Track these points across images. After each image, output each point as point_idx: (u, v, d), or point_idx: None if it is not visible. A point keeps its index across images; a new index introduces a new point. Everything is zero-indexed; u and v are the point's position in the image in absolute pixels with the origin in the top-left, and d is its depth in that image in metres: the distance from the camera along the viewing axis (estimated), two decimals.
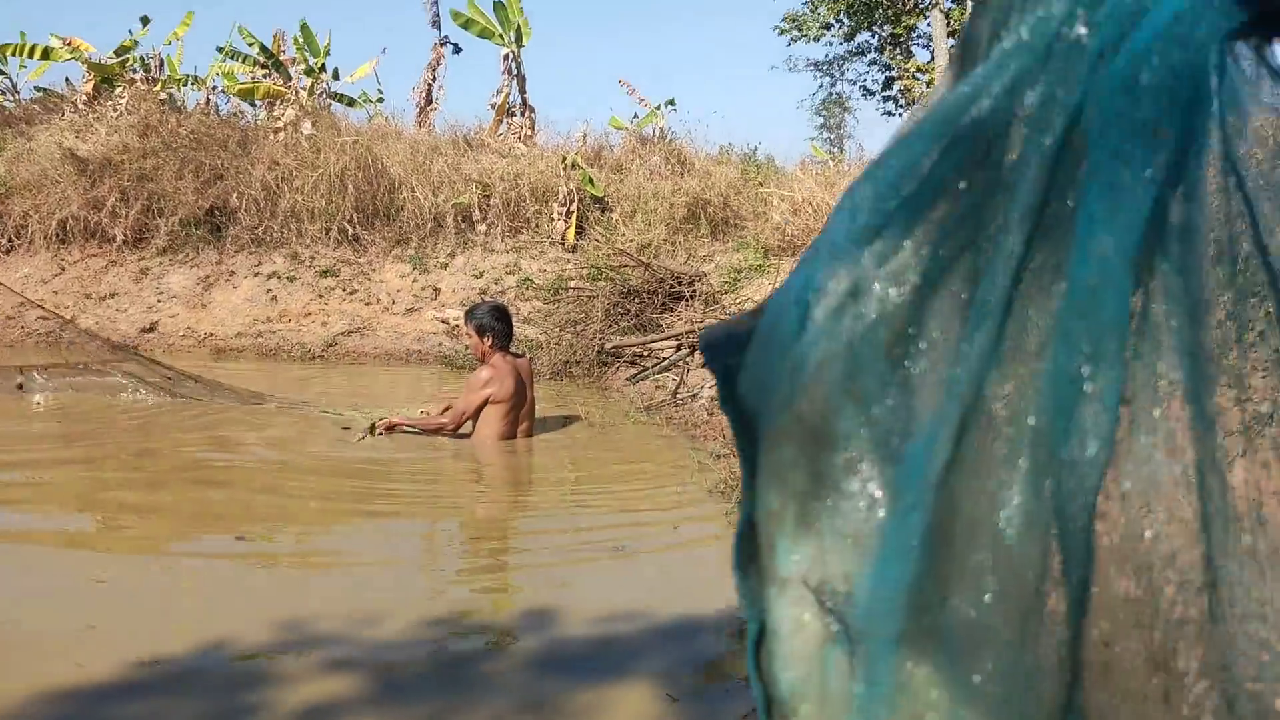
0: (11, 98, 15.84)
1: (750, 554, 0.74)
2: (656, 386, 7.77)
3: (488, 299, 6.42)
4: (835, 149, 26.40)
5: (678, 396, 7.09)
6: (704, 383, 7.34)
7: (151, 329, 10.47)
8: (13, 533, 4.28)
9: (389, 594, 3.59)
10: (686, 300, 9.34)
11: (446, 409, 6.16)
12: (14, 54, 15.16)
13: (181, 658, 2.95)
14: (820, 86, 30.35)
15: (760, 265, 10.15)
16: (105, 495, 4.82)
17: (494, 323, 5.94)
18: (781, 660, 0.70)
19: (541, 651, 3.00)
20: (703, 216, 11.41)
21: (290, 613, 3.30)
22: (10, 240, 11.51)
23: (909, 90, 23.73)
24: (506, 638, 3.15)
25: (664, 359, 8.40)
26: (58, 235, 11.51)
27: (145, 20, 14.04)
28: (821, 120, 37.08)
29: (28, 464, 5.45)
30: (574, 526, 4.50)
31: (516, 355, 6.12)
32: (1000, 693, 0.62)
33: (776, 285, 8.42)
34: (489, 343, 5.93)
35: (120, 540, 4.19)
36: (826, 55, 27.86)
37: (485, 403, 5.86)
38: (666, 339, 8.60)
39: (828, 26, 24.28)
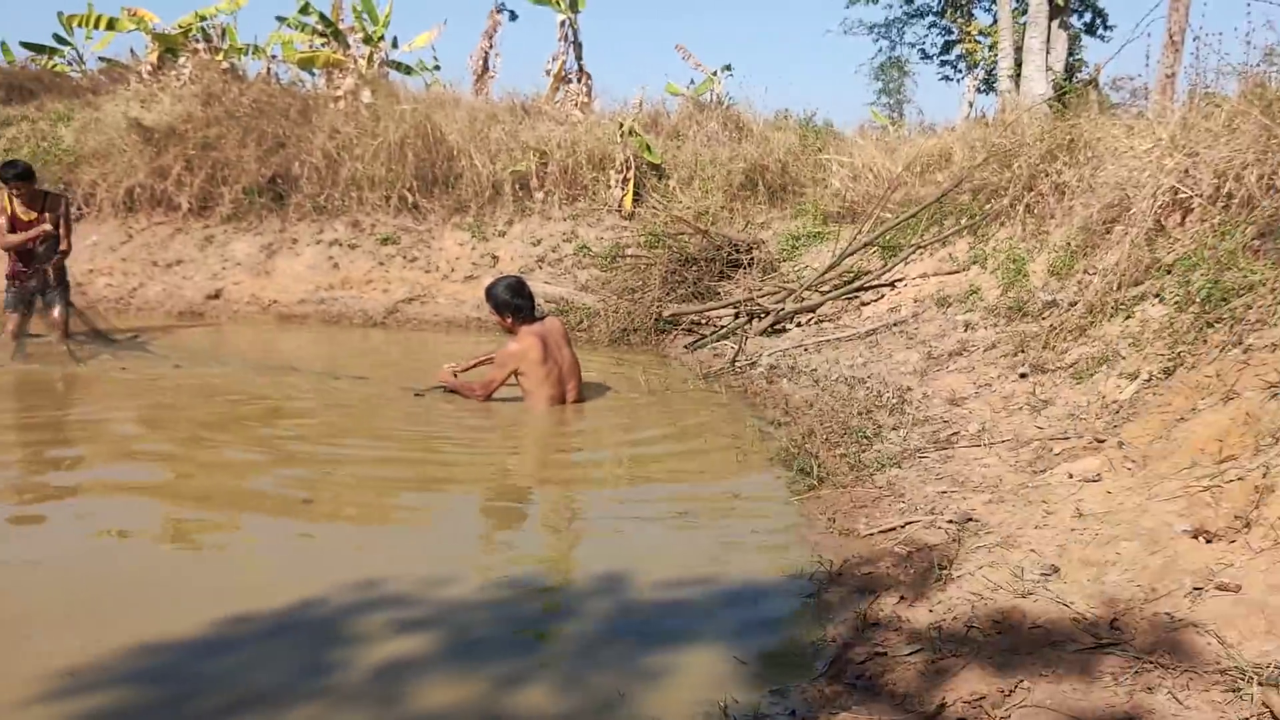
0: (78, 68, 16.13)
1: None
2: (714, 354, 7.79)
3: (504, 275, 6.47)
4: (895, 114, 26.06)
5: (736, 364, 7.10)
6: (762, 350, 7.34)
7: (217, 295, 10.67)
8: (96, 491, 4.42)
9: (456, 558, 3.67)
10: (744, 268, 9.32)
11: (478, 363, 6.44)
12: (80, 25, 15.43)
13: (264, 615, 3.06)
14: (879, 50, 29.88)
15: (819, 232, 10.09)
16: (177, 462, 4.95)
17: (512, 299, 6.04)
18: None
19: (610, 615, 3.06)
20: (761, 183, 11.35)
21: (363, 575, 3.39)
22: (80, 208, 11.74)
23: (970, 54, 23.33)
24: (575, 601, 3.21)
25: (722, 326, 8.41)
26: (125, 203, 11.73)
27: None
28: (880, 85, 36.60)
29: (106, 432, 5.61)
30: (634, 493, 4.55)
31: (540, 318, 6.18)
32: None
33: (837, 252, 8.38)
34: (509, 318, 6.04)
35: (195, 505, 4.32)
36: (885, 18, 27.43)
37: (515, 373, 6.00)
38: (724, 306, 8.60)
39: None
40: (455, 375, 6.32)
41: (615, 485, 4.72)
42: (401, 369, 7.69)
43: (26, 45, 16.27)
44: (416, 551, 3.76)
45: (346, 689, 2.61)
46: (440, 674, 2.69)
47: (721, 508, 4.23)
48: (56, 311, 8.10)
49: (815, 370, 6.51)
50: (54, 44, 16.23)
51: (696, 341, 8.28)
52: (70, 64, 16.20)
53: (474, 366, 6.48)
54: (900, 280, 7.97)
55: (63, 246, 8.04)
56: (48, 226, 7.86)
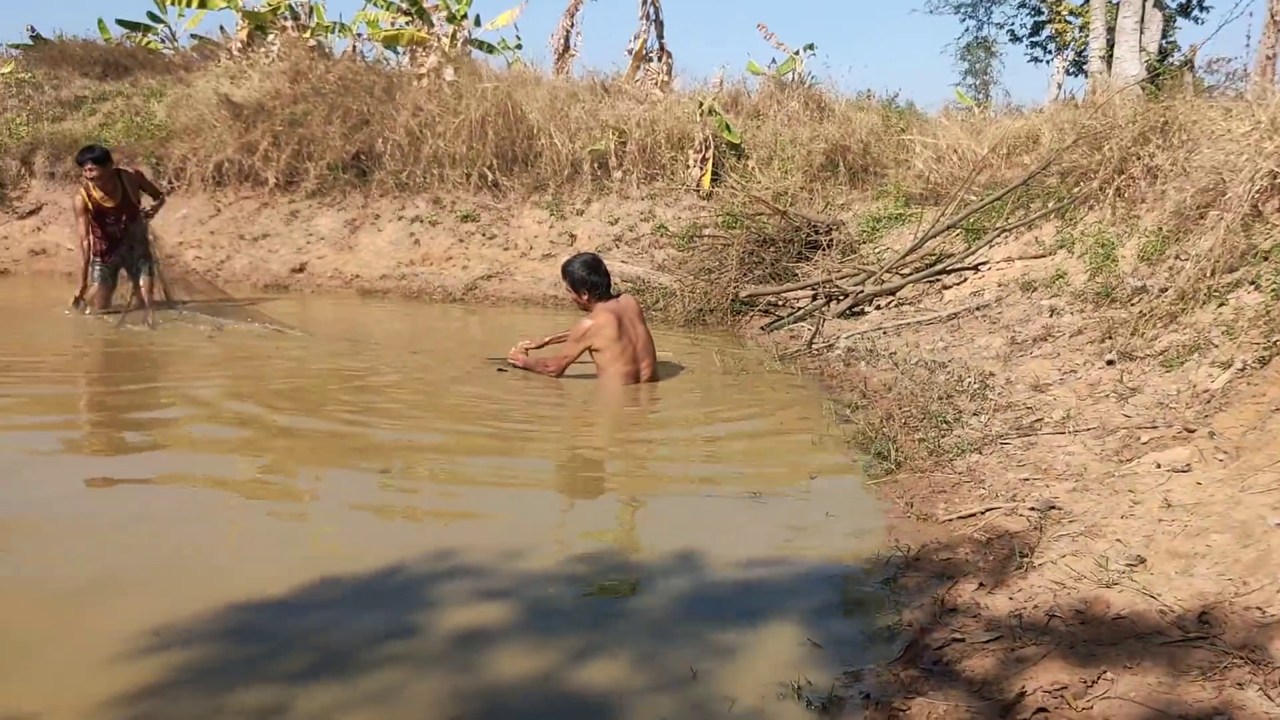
0: (171, 45, 16.51)
1: None
2: (791, 336, 7.73)
3: (580, 253, 6.51)
4: (981, 95, 25.58)
5: (813, 346, 7.04)
6: (840, 333, 7.27)
7: (301, 269, 10.87)
8: (182, 456, 4.55)
9: (530, 531, 3.70)
10: (823, 249, 9.23)
11: (551, 341, 6.49)
12: (173, 3, 15.77)
13: (343, 580, 3.12)
14: (966, 30, 29.35)
15: (901, 214, 9.94)
16: (260, 430, 5.06)
17: (588, 275, 6.07)
18: None
19: (683, 592, 3.06)
20: (841, 164, 11.21)
21: (440, 544, 3.45)
22: (170, 182, 12.03)
23: (1060, 34, 22.78)
24: (648, 577, 3.22)
25: (799, 308, 8.34)
26: (214, 178, 11.99)
27: None
28: (966, 65, 35.89)
29: (192, 398, 5.76)
30: (708, 472, 4.54)
31: (615, 296, 6.20)
32: None
33: (919, 234, 8.25)
34: (585, 295, 6.07)
35: (277, 472, 4.42)
36: None
37: (588, 350, 6.03)
38: (802, 288, 8.53)
39: None
40: (527, 353, 6.38)
41: (689, 464, 4.71)
42: (479, 345, 7.78)
43: (122, 23, 16.69)
44: (492, 523, 3.80)
45: (424, 654, 2.65)
46: (515, 644, 2.71)
47: (797, 489, 4.21)
48: (143, 281, 8.34)
49: (894, 354, 6.43)
50: (148, 21, 16.62)
51: (773, 323, 8.23)
52: (163, 41, 16.58)
53: (547, 344, 6.53)
54: (984, 264, 7.82)
55: (150, 205, 8.27)
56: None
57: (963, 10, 27.40)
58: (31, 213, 12.19)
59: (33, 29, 16.46)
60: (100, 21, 16.77)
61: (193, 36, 16.19)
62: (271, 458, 4.59)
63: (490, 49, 15.32)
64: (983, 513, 3.55)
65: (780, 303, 8.77)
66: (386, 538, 3.60)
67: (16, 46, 15.92)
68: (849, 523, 3.72)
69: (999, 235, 7.91)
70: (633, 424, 5.58)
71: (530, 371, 6.24)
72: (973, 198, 8.89)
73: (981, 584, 2.93)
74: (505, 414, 5.49)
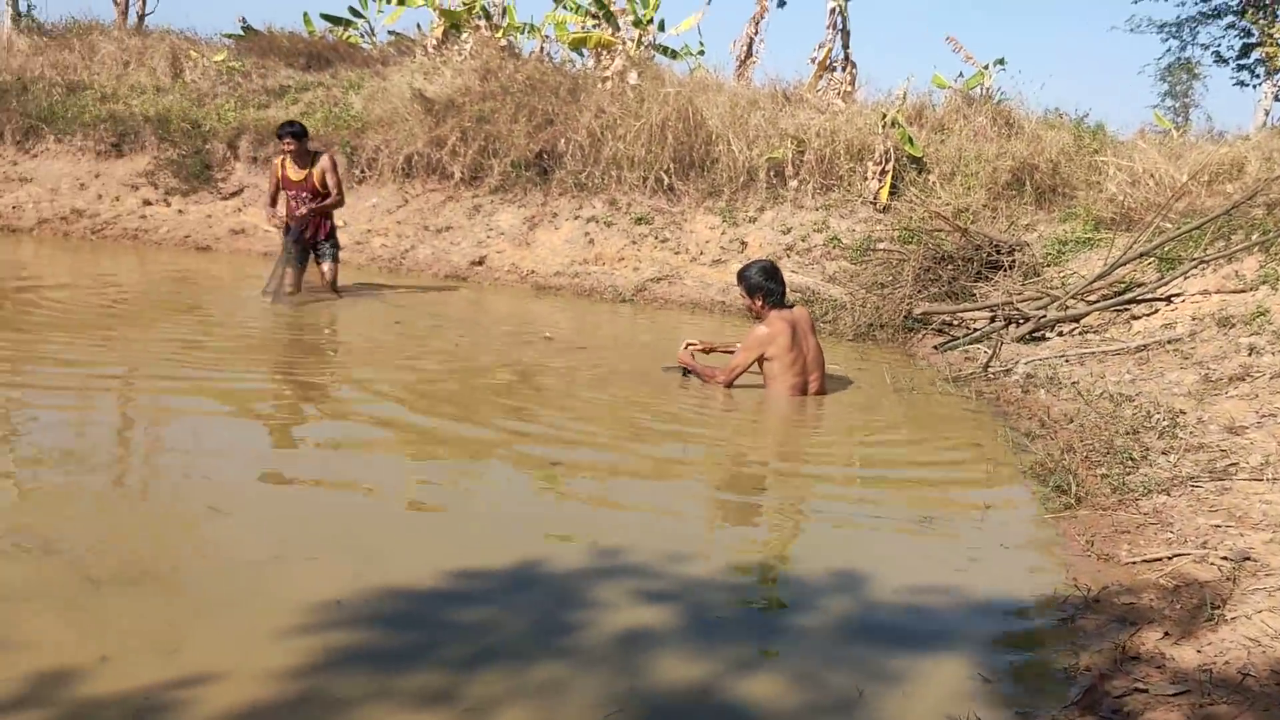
0: (369, 40, 17.27)
1: None
2: (966, 358, 7.52)
3: (757, 259, 6.46)
4: (1180, 119, 24.35)
5: (989, 370, 6.83)
6: (1018, 357, 7.03)
7: (480, 262, 11.19)
8: (355, 437, 4.74)
9: (694, 537, 3.72)
10: (1005, 270, 8.94)
11: (719, 350, 6.45)
12: None
13: (507, 571, 3.20)
14: (1168, 50, 27.94)
15: (1089, 238, 9.53)
16: (431, 417, 5.23)
17: (765, 282, 6.02)
18: None
19: (849, 613, 3.02)
20: (1028, 183, 10.84)
21: (604, 541, 3.49)
22: (363, 171, 12.58)
23: (1271, 59, 21.45)
24: (812, 594, 3.18)
25: (976, 329, 8.10)
26: (403, 169, 12.46)
27: None
28: (1166, 87, 34.22)
29: (368, 383, 6.00)
30: (876, 493, 4.46)
31: (789, 305, 6.14)
32: None
33: (1108, 260, 7.90)
34: (759, 302, 6.01)
35: (446, 459, 4.56)
36: (1178, 16, 25.65)
37: (761, 359, 5.98)
38: (980, 309, 8.29)
39: None
40: (694, 357, 6.38)
41: (856, 483, 4.64)
42: (649, 346, 7.86)
43: (326, 17, 17.54)
44: (655, 526, 3.83)
45: (585, 652, 2.69)
46: (676, 650, 2.73)
47: (969, 518, 4.09)
48: (326, 266, 8.77)
49: (1076, 383, 6.17)
50: (350, 17, 17.43)
51: (947, 343, 8.02)
52: (363, 36, 17.36)
53: (714, 351, 6.50)
54: (1177, 295, 7.43)
55: (332, 198, 8.68)
56: (308, 206, 8.61)
57: (1166, 30, 26.11)
58: (234, 194, 12.94)
59: (244, 20, 17.49)
60: (305, 15, 17.66)
61: (390, 33, 16.88)
62: (436, 447, 4.73)
63: (674, 54, 15.43)
64: (1170, 558, 3.37)
65: (956, 322, 8.54)
66: (549, 532, 3.66)
67: (229, 36, 16.94)
68: (1024, 556, 3.60)
69: (1195, 266, 7.51)
70: (799, 438, 5.53)
71: (698, 377, 6.25)
72: (1168, 225, 8.46)
73: (1167, 633, 2.79)
74: (672, 418, 5.52)
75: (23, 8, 17.56)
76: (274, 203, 8.82)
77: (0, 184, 13.12)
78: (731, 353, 6.33)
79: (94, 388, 5.23)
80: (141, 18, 19.53)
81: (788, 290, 6.28)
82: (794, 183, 11.41)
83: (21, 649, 2.50)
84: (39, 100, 13.92)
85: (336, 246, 8.92)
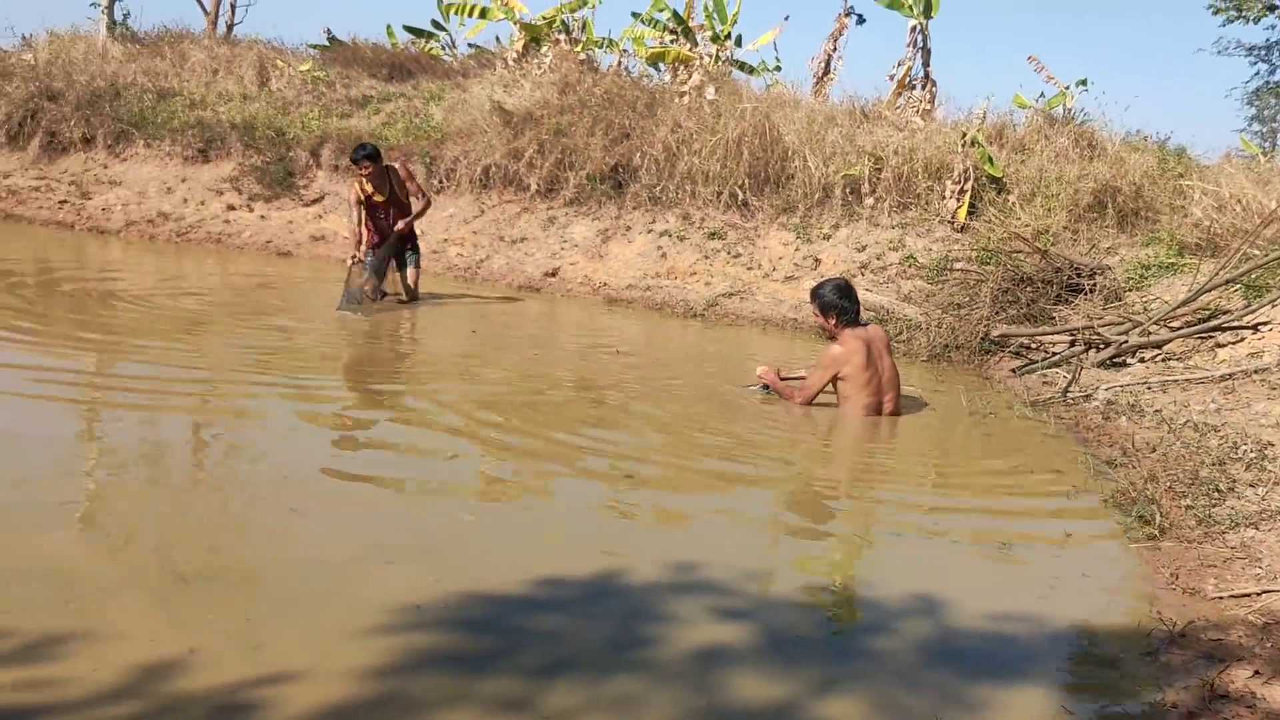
0: (451, 53, 17.53)
1: None
2: (1044, 382, 7.39)
3: (831, 277, 6.40)
4: (1267, 144, 23.77)
5: (1069, 395, 6.71)
6: (1099, 383, 6.90)
7: (554, 274, 11.27)
8: (430, 444, 4.80)
9: (770, 556, 3.72)
10: (1085, 293, 8.78)
11: (794, 375, 6.32)
12: (456, 12, 16.73)
13: (581, 581, 3.22)
14: (1256, 74, 27.29)
15: (1173, 263, 9.32)
16: (497, 426, 5.28)
17: (839, 300, 5.96)
18: None
19: (928, 637, 2.98)
20: (1110, 205, 10.63)
21: (676, 557, 3.50)
22: (441, 181, 12.76)
23: None
24: (890, 617, 3.15)
25: (1055, 353, 7.97)
26: (481, 180, 12.61)
27: None
28: (1253, 111, 33.37)
29: (426, 389, 6.07)
30: (952, 518, 4.40)
31: (863, 324, 6.08)
32: None
33: (1193, 286, 7.72)
34: (834, 320, 5.96)
35: (520, 468, 4.60)
36: (1267, 39, 25.00)
37: (835, 378, 5.93)
38: (1060, 332, 8.15)
39: (1272, 8, 21.72)
40: (779, 375, 6.31)
41: (932, 506, 4.58)
42: (721, 362, 7.85)
43: (409, 29, 17.87)
44: (728, 543, 3.83)
45: (661, 667, 2.69)
46: (754, 668, 2.72)
47: (1050, 545, 4.01)
48: (409, 272, 8.90)
49: (1159, 411, 6.04)
50: (432, 29, 17.72)
51: (1025, 366, 7.90)
52: (444, 48, 17.63)
53: (793, 377, 6.43)
54: (1265, 324, 7.24)
55: (422, 202, 8.83)
56: (400, 226, 8.79)
57: (1255, 53, 25.49)
58: (315, 201, 13.21)
59: (329, 31, 17.90)
60: (389, 27, 18.01)
61: (471, 45, 17.16)
62: (509, 457, 4.77)
63: (751, 70, 15.43)
64: (1259, 594, 3.28)
65: (1034, 345, 8.41)
66: (623, 544, 3.68)
67: (315, 46, 17.33)
68: (1106, 586, 3.53)
69: None
70: (875, 458, 5.48)
71: (779, 395, 6.21)
72: (1255, 252, 8.24)
73: (1258, 672, 2.72)
74: (746, 436, 5.51)
75: (118, 16, 18.09)
76: (359, 224, 8.85)
77: (92, 186, 13.58)
78: (803, 378, 6.28)
79: (176, 391, 5.35)
80: (230, 27, 20.08)
81: (862, 309, 6.23)
82: (870, 200, 11.33)
83: (116, 639, 2.58)
84: (130, 106, 14.37)
85: (418, 252, 9.06)
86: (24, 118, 14.42)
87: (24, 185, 13.63)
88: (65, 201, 13.21)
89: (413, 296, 8.95)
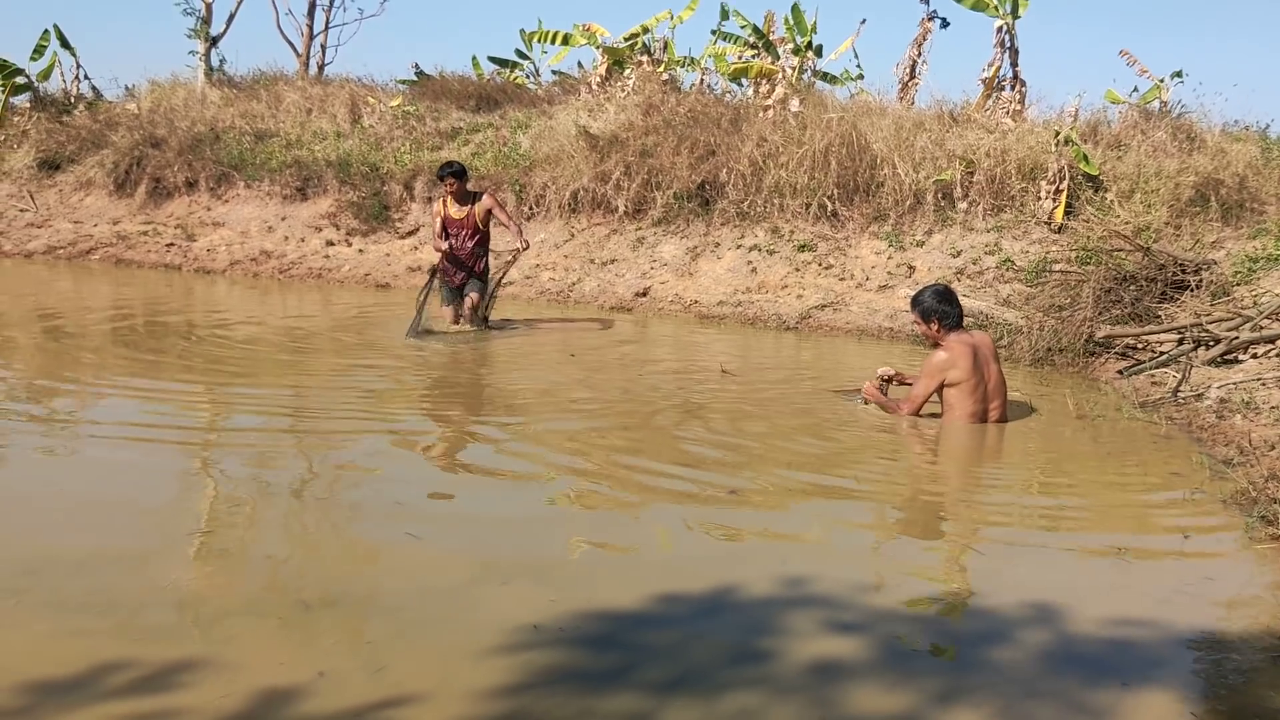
0: (535, 80, 17.82)
1: None
2: (1153, 382, 7.21)
3: (932, 284, 6.31)
4: None
5: (1179, 394, 6.53)
6: (1210, 381, 6.70)
7: (644, 294, 11.35)
8: (534, 466, 4.89)
9: (880, 567, 3.70)
10: (1191, 290, 8.54)
11: (893, 381, 6.26)
12: (538, 40, 17.02)
13: (695, 597, 3.25)
14: None
15: None
16: (603, 445, 5.34)
17: (940, 305, 5.87)
18: None
19: (1047, 646, 2.95)
20: (1213, 198, 10.33)
21: (788, 571, 3.50)
22: (531, 208, 12.97)
23: None
24: (1007, 626, 3.12)
25: (1163, 352, 7.76)
26: (569, 205, 12.78)
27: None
28: None
29: (529, 413, 6.16)
30: (1065, 523, 4.32)
31: (966, 329, 5.98)
32: None
33: None
34: (936, 326, 5.89)
35: (619, 487, 4.65)
36: None
37: (943, 385, 5.83)
38: (1167, 331, 7.94)
39: None
40: (883, 389, 6.23)
41: (1044, 512, 4.50)
42: (817, 373, 7.83)
43: (494, 60, 18.22)
44: (838, 555, 3.83)
45: (778, 681, 2.71)
46: (871, 681, 2.72)
47: (1168, 549, 3.93)
48: (474, 296, 9.01)
49: (1276, 407, 5.85)
50: (516, 59, 18.05)
51: (1132, 367, 7.71)
52: (529, 77, 17.92)
53: (902, 382, 6.34)
54: None
55: (512, 229, 8.95)
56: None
57: None
58: (410, 233, 13.52)
59: (417, 66, 18.35)
60: (474, 59, 18.49)
61: (554, 72, 17.41)
62: (614, 474, 4.82)
63: (834, 80, 15.38)
64: None
65: (1140, 345, 8.20)
66: (733, 559, 3.71)
67: (403, 82, 17.76)
68: (1230, 589, 3.44)
69: None
70: (983, 466, 5.41)
71: (884, 409, 6.14)
72: None
73: None
74: (851, 447, 5.49)
75: (214, 62, 18.79)
76: (446, 231, 9.05)
77: (196, 228, 14.12)
78: (910, 384, 6.20)
79: (277, 427, 5.53)
80: (321, 68, 20.72)
81: (963, 314, 6.15)
82: (963, 204, 11.18)
83: (243, 666, 2.68)
84: (230, 149, 14.91)
85: (484, 280, 9.15)
86: (130, 165, 15.07)
87: (133, 230, 14.24)
88: (172, 244, 13.75)
89: (476, 320, 9.02)
